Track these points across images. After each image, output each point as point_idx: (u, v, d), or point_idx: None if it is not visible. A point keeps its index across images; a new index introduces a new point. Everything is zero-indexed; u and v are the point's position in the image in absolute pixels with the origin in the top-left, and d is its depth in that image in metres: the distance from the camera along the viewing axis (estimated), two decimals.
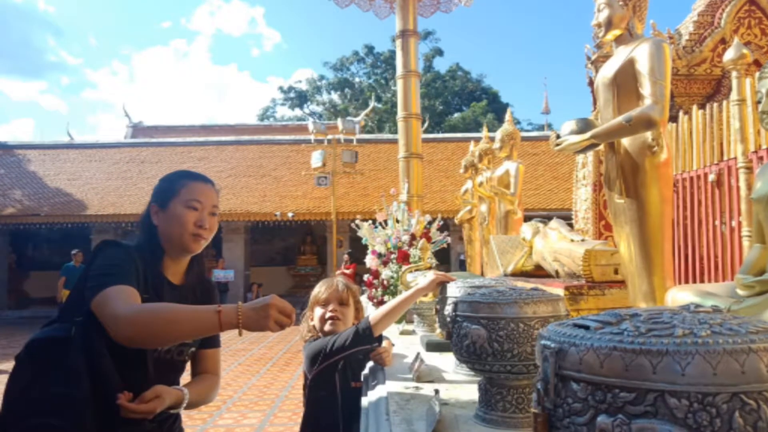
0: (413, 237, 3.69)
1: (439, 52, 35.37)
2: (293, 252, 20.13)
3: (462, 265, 12.94)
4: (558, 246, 2.43)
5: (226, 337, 10.14)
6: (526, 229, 2.70)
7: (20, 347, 1.44)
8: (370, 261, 3.79)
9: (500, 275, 2.97)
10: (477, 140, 6.70)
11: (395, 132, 9.51)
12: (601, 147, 2.30)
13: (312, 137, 13.65)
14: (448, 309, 1.38)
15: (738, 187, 3.50)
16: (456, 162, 13.68)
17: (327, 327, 2.09)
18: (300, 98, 37.00)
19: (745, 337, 0.57)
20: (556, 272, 2.42)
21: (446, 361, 2.07)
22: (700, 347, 0.56)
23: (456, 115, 34.28)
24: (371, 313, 2.07)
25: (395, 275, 3.53)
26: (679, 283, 4.32)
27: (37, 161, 19.04)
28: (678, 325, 0.60)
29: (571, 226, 3.32)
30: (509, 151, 5.33)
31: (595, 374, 0.60)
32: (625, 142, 2.16)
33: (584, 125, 2.25)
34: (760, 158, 3.52)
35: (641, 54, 2.10)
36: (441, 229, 4.06)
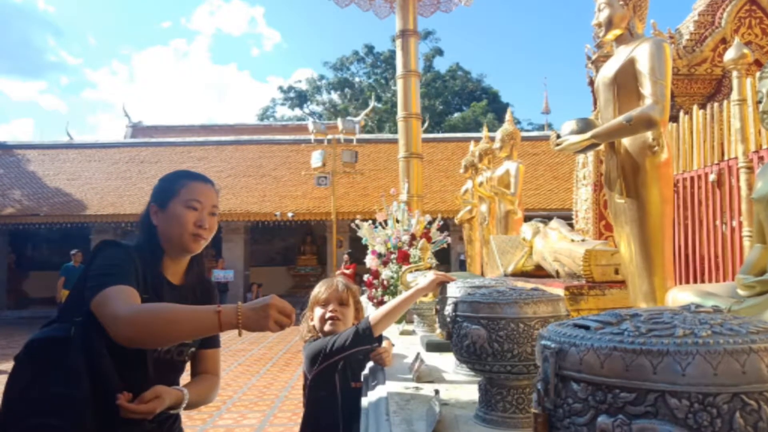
0: (413, 237, 3.69)
1: (439, 52, 35.40)
2: (293, 252, 20.13)
3: (462, 265, 12.94)
4: (558, 246, 2.43)
5: (226, 337, 10.14)
6: (527, 229, 2.70)
7: (20, 347, 1.44)
8: (370, 261, 3.79)
9: (500, 275, 2.97)
10: (477, 140, 6.70)
11: (395, 132, 9.51)
12: (602, 147, 2.30)
13: (312, 137, 13.66)
14: (448, 309, 1.38)
15: (738, 187, 3.50)
16: (456, 162, 13.68)
17: (327, 327, 2.09)
18: (300, 98, 37.00)
19: (746, 338, 0.57)
20: (557, 272, 2.42)
21: (446, 362, 2.07)
22: (701, 347, 0.56)
23: (456, 115, 34.28)
24: (371, 313, 2.06)
25: (395, 275, 3.52)
26: (680, 283, 4.32)
27: (37, 161, 19.04)
28: (678, 325, 0.60)
29: (571, 226, 3.31)
30: (509, 151, 5.33)
31: (595, 374, 0.60)
32: (626, 142, 2.15)
33: (584, 125, 2.25)
34: (761, 158, 3.51)
35: (642, 54, 2.09)
36: (441, 229, 4.06)
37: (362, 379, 2.14)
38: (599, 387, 0.59)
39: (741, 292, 1.60)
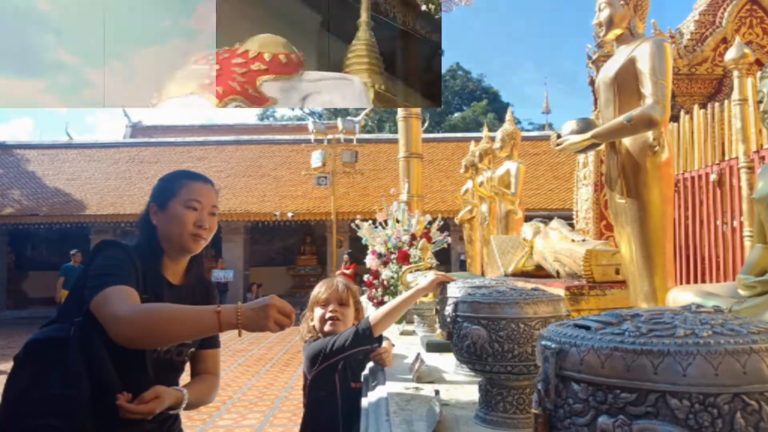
0: (413, 237, 3.68)
1: None
2: (293, 252, 20.12)
3: (462, 265, 12.94)
4: (559, 246, 2.43)
5: (226, 337, 10.14)
6: (527, 229, 2.70)
7: (19, 348, 1.44)
8: (370, 261, 3.78)
9: (501, 275, 2.97)
10: (477, 140, 6.70)
11: (395, 132, 9.50)
12: (602, 147, 2.30)
13: (312, 137, 13.67)
14: (449, 309, 1.38)
15: (739, 187, 3.50)
16: (456, 162, 13.66)
17: (327, 327, 2.09)
18: None
19: (747, 338, 0.57)
20: (557, 272, 2.42)
21: (446, 362, 2.06)
22: (702, 348, 0.56)
23: (456, 114, 34.28)
24: (371, 313, 2.06)
25: (395, 275, 3.52)
26: (681, 283, 4.31)
27: (36, 161, 19.03)
28: (679, 325, 0.60)
29: (572, 226, 3.31)
30: (510, 151, 5.33)
31: (596, 375, 0.60)
32: (627, 141, 2.15)
33: (585, 125, 2.24)
34: (762, 158, 3.51)
35: (642, 53, 2.09)
36: (441, 229, 4.05)
37: (362, 379, 2.14)
38: (600, 387, 0.59)
39: (742, 292, 1.59)
